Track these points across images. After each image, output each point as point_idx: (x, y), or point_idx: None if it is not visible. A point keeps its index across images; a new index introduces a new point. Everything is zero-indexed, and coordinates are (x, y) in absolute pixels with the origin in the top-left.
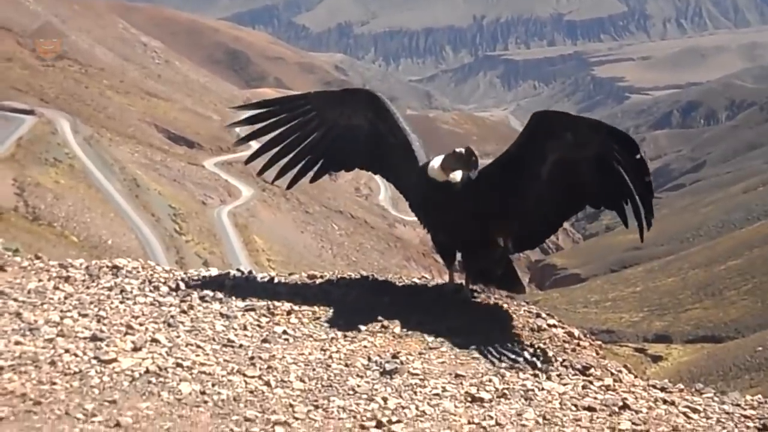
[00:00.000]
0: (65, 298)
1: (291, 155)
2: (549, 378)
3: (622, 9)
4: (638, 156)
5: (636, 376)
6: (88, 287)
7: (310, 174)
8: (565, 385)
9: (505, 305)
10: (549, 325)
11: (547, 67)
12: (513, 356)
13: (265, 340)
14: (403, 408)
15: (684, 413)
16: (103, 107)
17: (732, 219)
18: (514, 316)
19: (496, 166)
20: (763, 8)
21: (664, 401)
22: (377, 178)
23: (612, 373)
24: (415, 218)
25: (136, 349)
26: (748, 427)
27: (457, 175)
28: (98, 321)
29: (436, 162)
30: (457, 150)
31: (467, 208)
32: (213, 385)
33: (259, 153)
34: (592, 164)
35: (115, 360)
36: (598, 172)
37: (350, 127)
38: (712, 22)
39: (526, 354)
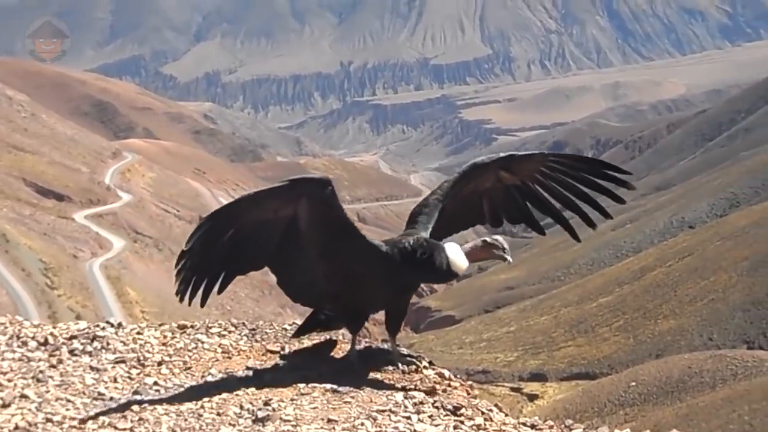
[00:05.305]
0: None
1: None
2: (421, 420)
3: (487, 52)
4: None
5: (507, 415)
6: None
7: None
8: (436, 426)
9: (377, 348)
10: (421, 367)
11: (415, 111)
12: (384, 399)
13: (135, 392)
14: None
15: None
16: None
17: (602, 256)
18: (385, 359)
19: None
20: (625, 48)
21: None
22: None
23: (483, 413)
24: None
25: (4, 406)
26: None
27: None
28: None
29: (457, 255)
30: (490, 240)
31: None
32: None
33: (183, 285)
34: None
35: None
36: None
37: (262, 223)
38: (576, 63)
39: (397, 396)
